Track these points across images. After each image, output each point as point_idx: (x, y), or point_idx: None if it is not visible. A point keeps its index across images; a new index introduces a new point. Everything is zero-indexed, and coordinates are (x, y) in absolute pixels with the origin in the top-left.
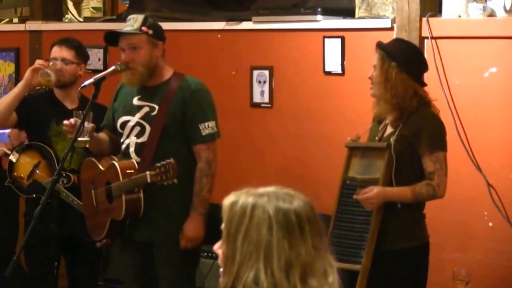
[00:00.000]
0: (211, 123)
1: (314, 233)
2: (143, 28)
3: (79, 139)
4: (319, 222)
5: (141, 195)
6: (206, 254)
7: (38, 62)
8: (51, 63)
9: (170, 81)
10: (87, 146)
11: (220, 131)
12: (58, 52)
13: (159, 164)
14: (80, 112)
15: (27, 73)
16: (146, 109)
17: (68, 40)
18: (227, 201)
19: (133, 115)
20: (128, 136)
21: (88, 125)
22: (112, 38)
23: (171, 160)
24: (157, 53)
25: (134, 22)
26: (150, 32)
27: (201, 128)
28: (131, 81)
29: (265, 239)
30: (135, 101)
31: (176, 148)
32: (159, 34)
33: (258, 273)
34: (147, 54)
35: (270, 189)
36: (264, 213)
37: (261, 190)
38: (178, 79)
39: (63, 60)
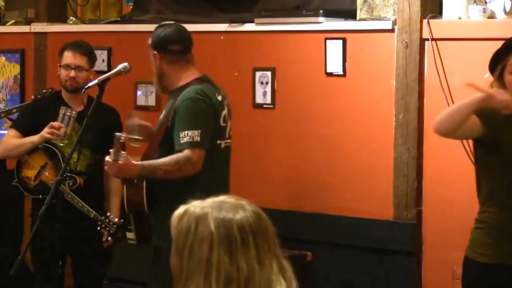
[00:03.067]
0: (190, 132)
1: (259, 244)
2: (149, 39)
3: (130, 136)
4: (267, 230)
5: (143, 190)
6: None
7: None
8: (62, 130)
9: (179, 89)
10: (138, 145)
11: (205, 143)
12: (72, 58)
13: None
14: (66, 108)
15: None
16: (162, 113)
17: (81, 45)
18: (175, 214)
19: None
20: None
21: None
22: None
23: (117, 134)
24: (156, 62)
25: None
26: (148, 42)
27: (180, 136)
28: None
29: (205, 255)
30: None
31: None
32: (153, 43)
33: None
34: (152, 65)
35: (218, 199)
36: (206, 229)
37: (209, 201)
38: (186, 87)
39: (78, 67)
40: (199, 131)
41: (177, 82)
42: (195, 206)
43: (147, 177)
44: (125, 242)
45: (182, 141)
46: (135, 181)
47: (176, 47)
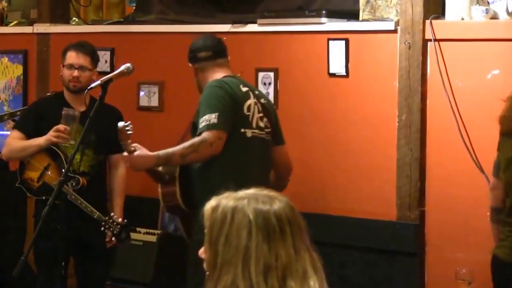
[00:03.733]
0: (207, 116)
1: (295, 234)
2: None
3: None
4: (300, 222)
5: (177, 188)
6: None
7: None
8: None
9: None
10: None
11: (225, 124)
12: (75, 58)
13: None
14: (68, 108)
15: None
16: None
17: (84, 45)
18: (208, 206)
19: None
20: None
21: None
22: None
23: (119, 123)
24: (194, 75)
25: None
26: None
27: (200, 122)
28: None
29: (244, 243)
30: None
31: None
32: (188, 58)
33: (235, 277)
34: (196, 81)
35: (250, 191)
36: (244, 217)
37: (241, 193)
38: None
39: (81, 67)
40: (216, 114)
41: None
42: (228, 197)
43: (164, 165)
44: (128, 242)
45: (200, 126)
46: (166, 177)
47: (203, 54)
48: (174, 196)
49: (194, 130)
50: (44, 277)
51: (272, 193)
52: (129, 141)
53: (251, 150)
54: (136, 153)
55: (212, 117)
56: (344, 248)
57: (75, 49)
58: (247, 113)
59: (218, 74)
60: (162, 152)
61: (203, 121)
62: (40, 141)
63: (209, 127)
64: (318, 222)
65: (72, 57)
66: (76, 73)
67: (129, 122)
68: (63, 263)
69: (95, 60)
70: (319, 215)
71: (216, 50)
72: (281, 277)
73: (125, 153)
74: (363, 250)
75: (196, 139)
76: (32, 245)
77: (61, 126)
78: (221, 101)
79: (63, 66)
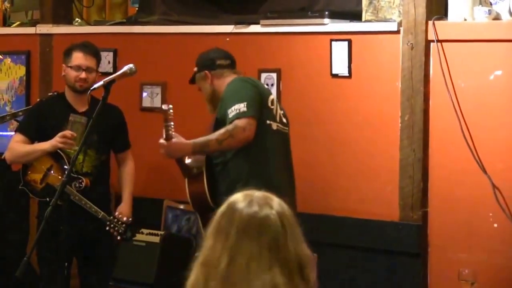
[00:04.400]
0: (237, 105)
1: (242, 240)
2: (194, 69)
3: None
4: (270, 236)
5: (205, 185)
6: None
7: (66, 137)
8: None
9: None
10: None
11: (254, 111)
12: (83, 60)
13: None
14: (75, 115)
15: (54, 144)
16: None
17: (89, 46)
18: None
19: None
20: None
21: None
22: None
23: (162, 106)
24: (209, 83)
25: None
26: (195, 69)
27: (228, 113)
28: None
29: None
30: None
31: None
32: (201, 65)
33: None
34: (203, 90)
35: (258, 192)
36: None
37: (249, 192)
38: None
39: (88, 68)
40: (245, 103)
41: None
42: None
43: (200, 152)
44: (131, 243)
45: (230, 116)
46: (194, 170)
47: (223, 61)
48: (203, 193)
49: (216, 126)
50: (47, 278)
51: (269, 199)
52: (172, 124)
53: (277, 142)
54: (173, 140)
55: (241, 106)
56: (346, 249)
57: (82, 50)
58: (272, 107)
59: (226, 79)
60: (198, 139)
61: (232, 111)
62: (45, 146)
63: (239, 115)
64: (321, 222)
65: (79, 58)
66: (84, 74)
67: (171, 105)
68: (66, 264)
69: (99, 61)
70: (322, 215)
71: (232, 60)
72: (209, 277)
73: (162, 140)
74: (365, 251)
75: (229, 126)
76: (35, 246)
77: (67, 132)
78: (248, 93)
79: (68, 66)
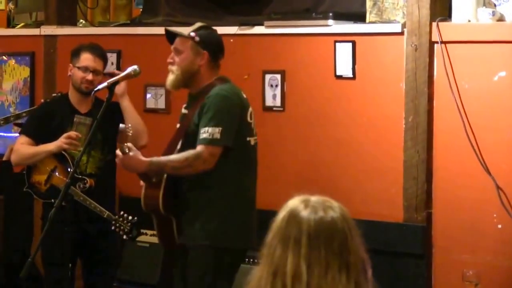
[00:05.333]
0: (211, 129)
1: (315, 247)
2: (191, 33)
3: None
4: (336, 240)
5: (160, 192)
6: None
7: (71, 138)
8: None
9: (203, 90)
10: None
11: (228, 139)
12: (92, 61)
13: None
14: (80, 116)
15: (59, 145)
16: (183, 116)
17: (98, 48)
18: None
19: (180, 122)
20: None
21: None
22: (170, 36)
23: (121, 125)
24: (199, 61)
25: (191, 27)
26: (197, 39)
27: (201, 132)
28: (168, 82)
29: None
30: (183, 109)
31: None
32: (206, 44)
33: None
34: (187, 59)
35: (319, 199)
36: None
37: (311, 198)
38: (211, 87)
39: (95, 71)
40: (220, 128)
41: (203, 83)
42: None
43: (156, 173)
44: (135, 244)
45: (200, 137)
46: (153, 180)
47: (221, 56)
48: (156, 199)
49: (190, 131)
50: (51, 278)
51: (329, 203)
52: (127, 144)
53: (253, 157)
54: (130, 153)
55: (215, 131)
56: None
57: (91, 52)
58: (250, 121)
59: (213, 74)
60: (154, 159)
61: (205, 133)
62: (50, 147)
63: (210, 141)
64: None
65: (88, 59)
66: (91, 76)
67: (130, 125)
68: (70, 265)
69: (106, 63)
70: None
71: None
72: (289, 285)
73: (119, 153)
74: (369, 252)
75: (192, 155)
76: (39, 247)
77: (72, 133)
78: (228, 114)
79: (76, 67)
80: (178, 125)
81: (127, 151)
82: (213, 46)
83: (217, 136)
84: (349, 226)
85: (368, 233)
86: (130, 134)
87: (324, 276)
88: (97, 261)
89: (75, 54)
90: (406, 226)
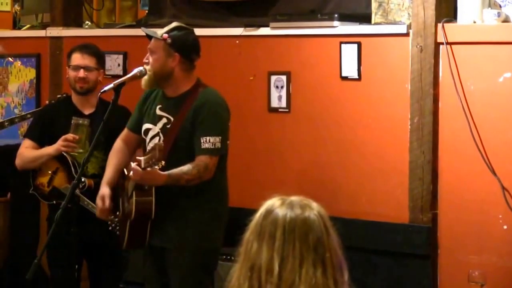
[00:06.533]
0: (213, 139)
1: (289, 241)
2: (164, 35)
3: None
4: (311, 235)
5: (153, 198)
6: (225, 256)
7: (68, 141)
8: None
9: (188, 94)
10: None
11: (225, 148)
12: (81, 59)
13: (149, 149)
14: (77, 118)
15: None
16: (164, 121)
17: (88, 46)
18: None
19: (155, 124)
20: (148, 144)
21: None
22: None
23: (159, 142)
24: (171, 63)
25: (166, 27)
26: (168, 40)
27: (202, 141)
28: (142, 82)
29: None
30: (157, 110)
31: (186, 160)
32: (178, 46)
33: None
34: (159, 61)
35: (297, 198)
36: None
37: (289, 198)
38: (196, 92)
39: (86, 67)
40: (220, 137)
41: (182, 87)
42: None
43: (171, 185)
44: None
45: (203, 147)
46: (146, 187)
47: (196, 57)
48: (149, 205)
49: (181, 137)
50: (57, 280)
51: (307, 201)
52: (161, 161)
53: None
54: (151, 169)
55: (216, 141)
56: (356, 251)
57: (80, 51)
58: (229, 124)
59: (192, 78)
60: (172, 173)
61: (207, 143)
62: (49, 150)
63: (213, 152)
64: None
65: (77, 58)
66: (81, 73)
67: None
68: (76, 266)
69: (100, 60)
70: (331, 217)
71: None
72: (263, 281)
73: (137, 168)
74: (375, 253)
75: (201, 167)
76: (46, 248)
77: (69, 136)
78: (225, 124)
79: (69, 68)
80: (149, 126)
81: (156, 167)
82: (185, 48)
83: (218, 145)
84: (326, 224)
85: (374, 234)
86: (161, 150)
87: (298, 270)
88: (103, 262)
89: (68, 56)
90: (412, 227)
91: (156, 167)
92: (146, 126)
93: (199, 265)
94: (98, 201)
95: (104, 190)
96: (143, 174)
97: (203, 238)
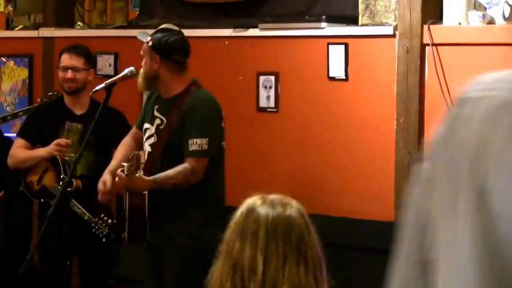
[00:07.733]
0: (199, 140)
1: (272, 240)
2: (148, 38)
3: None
4: (293, 233)
5: (145, 198)
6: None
7: (61, 146)
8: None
9: (181, 96)
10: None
11: (214, 149)
12: (68, 60)
13: (130, 156)
14: (70, 123)
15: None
16: (158, 121)
17: (77, 47)
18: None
19: (152, 124)
20: (144, 143)
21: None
22: None
23: (137, 152)
24: (154, 65)
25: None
26: (150, 43)
27: (189, 143)
28: (138, 86)
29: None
30: (155, 111)
31: (179, 162)
32: (157, 47)
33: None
34: (146, 64)
35: (277, 196)
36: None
37: (269, 197)
38: (188, 93)
39: (74, 68)
40: (207, 139)
41: (174, 89)
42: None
43: (156, 189)
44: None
45: (190, 149)
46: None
47: (180, 57)
48: (143, 200)
49: (172, 140)
50: (49, 276)
51: (287, 199)
52: (140, 170)
53: (223, 160)
54: (136, 175)
55: (203, 142)
56: (342, 249)
57: (68, 52)
58: (223, 125)
59: (185, 79)
60: (157, 179)
61: (194, 145)
62: (41, 152)
63: (200, 154)
64: (317, 223)
65: (65, 59)
66: (69, 74)
67: (142, 152)
68: (67, 262)
69: (89, 60)
70: (318, 215)
71: (189, 54)
72: (246, 279)
73: (122, 174)
74: (361, 250)
75: (188, 170)
76: (37, 245)
77: (62, 141)
78: (214, 125)
79: (58, 69)
80: (148, 125)
81: (137, 175)
82: (164, 49)
83: (205, 147)
84: (306, 222)
85: (359, 232)
86: (143, 161)
87: (282, 268)
88: (94, 258)
89: (58, 57)
90: (397, 225)
91: (137, 175)
92: (145, 125)
93: (194, 264)
94: (100, 185)
95: (106, 176)
96: (127, 181)
97: (199, 238)
